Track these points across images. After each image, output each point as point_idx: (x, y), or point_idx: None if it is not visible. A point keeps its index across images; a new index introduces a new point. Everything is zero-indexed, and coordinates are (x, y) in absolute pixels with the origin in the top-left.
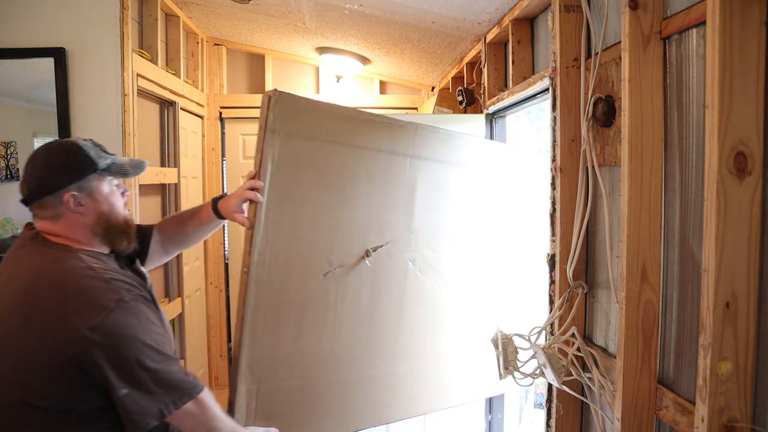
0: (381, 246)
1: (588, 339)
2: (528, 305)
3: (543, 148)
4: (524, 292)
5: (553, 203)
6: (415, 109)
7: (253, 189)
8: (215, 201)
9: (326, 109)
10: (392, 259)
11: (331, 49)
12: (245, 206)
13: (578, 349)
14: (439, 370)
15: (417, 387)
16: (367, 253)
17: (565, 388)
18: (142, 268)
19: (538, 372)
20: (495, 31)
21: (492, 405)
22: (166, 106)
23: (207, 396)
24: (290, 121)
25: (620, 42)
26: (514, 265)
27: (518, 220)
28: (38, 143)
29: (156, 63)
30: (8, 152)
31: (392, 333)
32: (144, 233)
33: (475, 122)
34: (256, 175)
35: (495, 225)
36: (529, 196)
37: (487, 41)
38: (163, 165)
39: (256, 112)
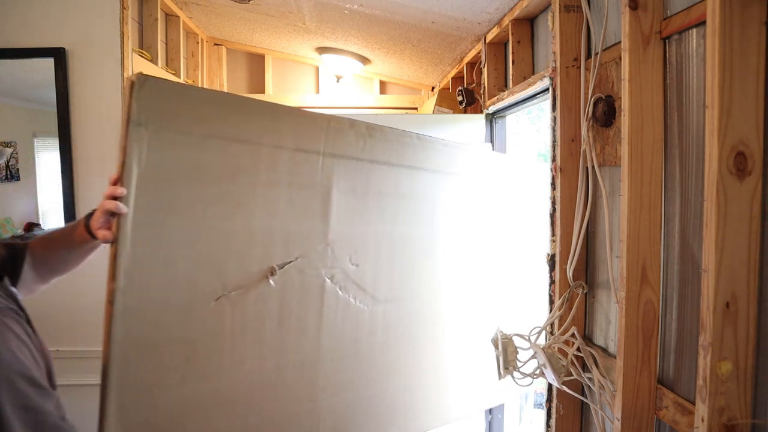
0: (290, 262)
1: (588, 339)
2: (519, 309)
3: (542, 148)
4: (513, 296)
5: (553, 203)
6: (415, 109)
7: (115, 198)
8: (87, 218)
9: (209, 97)
10: (305, 277)
11: (331, 49)
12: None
13: (578, 349)
14: (383, 401)
15: (347, 425)
16: (271, 271)
17: (565, 388)
18: (12, 288)
19: (538, 372)
20: (495, 31)
21: None
22: None
23: None
24: (161, 112)
25: (620, 42)
26: (488, 269)
27: (487, 223)
28: (38, 143)
29: (156, 63)
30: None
31: (309, 363)
32: (15, 251)
33: (475, 122)
34: (117, 181)
35: (459, 229)
36: (495, 197)
37: (487, 41)
38: None
39: None
